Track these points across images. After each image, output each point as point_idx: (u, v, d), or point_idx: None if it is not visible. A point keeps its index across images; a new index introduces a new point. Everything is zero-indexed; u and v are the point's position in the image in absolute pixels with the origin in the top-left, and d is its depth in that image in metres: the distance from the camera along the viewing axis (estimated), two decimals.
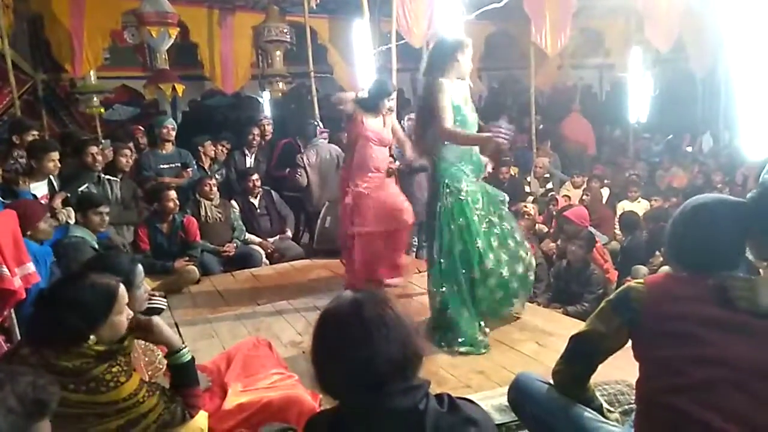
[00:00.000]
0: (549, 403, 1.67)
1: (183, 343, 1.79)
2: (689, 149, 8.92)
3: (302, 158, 5.43)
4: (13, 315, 2.67)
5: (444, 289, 2.99)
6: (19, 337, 2.66)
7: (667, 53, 7.45)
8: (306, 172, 5.40)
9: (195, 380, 1.81)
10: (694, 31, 7.17)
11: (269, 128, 6.17)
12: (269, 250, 5.15)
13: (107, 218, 3.86)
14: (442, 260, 2.98)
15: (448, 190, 2.97)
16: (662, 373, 1.42)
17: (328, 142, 5.78)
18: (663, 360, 1.42)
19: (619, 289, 1.59)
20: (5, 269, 2.43)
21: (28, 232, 2.98)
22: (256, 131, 5.89)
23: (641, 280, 1.55)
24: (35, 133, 4.44)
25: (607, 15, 7.93)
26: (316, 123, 5.83)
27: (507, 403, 1.90)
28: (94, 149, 4.43)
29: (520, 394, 1.76)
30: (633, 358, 1.51)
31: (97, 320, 1.57)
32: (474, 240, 2.95)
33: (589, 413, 1.62)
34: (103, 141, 5.08)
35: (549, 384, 1.72)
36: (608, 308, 1.56)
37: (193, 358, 1.81)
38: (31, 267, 2.61)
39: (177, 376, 1.77)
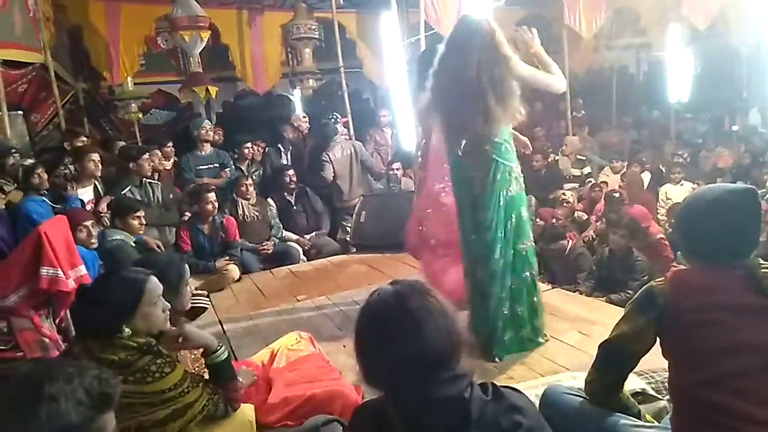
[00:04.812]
0: (581, 415, 1.65)
1: (219, 343, 1.86)
2: (735, 128, 8.55)
3: (327, 155, 5.53)
4: (69, 315, 2.79)
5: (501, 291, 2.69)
6: None
7: (707, 29, 7.16)
8: (333, 168, 5.48)
9: (233, 376, 1.87)
10: (736, 2, 6.85)
11: (305, 125, 6.27)
12: (306, 247, 5.22)
13: (143, 222, 3.97)
14: (497, 258, 2.67)
15: (513, 176, 2.68)
16: (694, 366, 1.40)
17: (355, 138, 5.86)
18: (694, 352, 1.41)
19: (641, 290, 1.58)
20: (60, 272, 2.54)
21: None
22: (291, 128, 5.99)
23: (662, 279, 1.54)
24: (84, 138, 4.64)
25: None
26: (334, 118, 5.90)
27: None
28: (147, 157, 4.58)
29: (550, 409, 1.70)
30: None
31: (127, 313, 1.65)
32: (527, 236, 2.76)
33: (625, 419, 1.60)
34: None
35: (578, 395, 1.70)
36: (633, 310, 1.55)
37: (229, 356, 1.87)
38: (83, 269, 2.73)
39: (215, 373, 1.84)
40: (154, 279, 1.73)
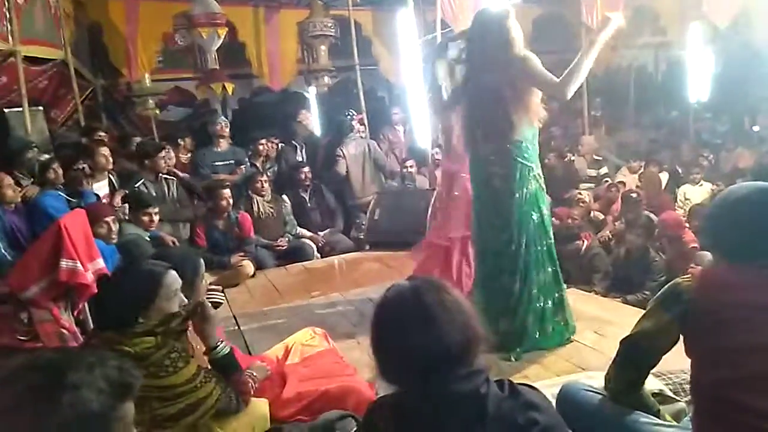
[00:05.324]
0: (600, 413, 1.63)
1: (219, 339, 1.89)
2: (756, 128, 8.40)
3: (341, 150, 5.56)
4: (87, 308, 2.83)
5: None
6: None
7: (728, 27, 7.03)
8: (346, 163, 5.49)
9: (237, 366, 1.90)
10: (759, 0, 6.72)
11: (309, 120, 6.31)
12: (320, 244, 5.24)
13: (156, 218, 4.00)
14: (521, 254, 2.68)
15: (532, 174, 2.69)
16: (719, 364, 1.39)
17: (369, 136, 5.87)
18: (718, 350, 1.39)
19: (666, 286, 1.56)
20: (79, 264, 2.58)
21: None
22: (299, 126, 6.08)
23: (688, 276, 1.52)
24: (101, 134, 4.70)
25: None
26: (350, 115, 5.92)
27: None
28: (162, 154, 4.62)
29: (568, 406, 1.69)
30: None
31: (143, 305, 1.67)
32: (550, 234, 2.78)
33: (644, 418, 1.58)
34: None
35: (596, 392, 1.69)
36: (656, 306, 1.53)
37: (231, 350, 1.91)
38: (101, 262, 2.76)
39: (221, 368, 1.86)
40: (172, 273, 1.75)
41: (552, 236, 2.82)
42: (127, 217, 4.03)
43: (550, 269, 2.77)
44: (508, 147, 2.65)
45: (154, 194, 4.45)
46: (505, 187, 2.68)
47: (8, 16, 4.04)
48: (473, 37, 2.72)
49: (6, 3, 4.02)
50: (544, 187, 2.79)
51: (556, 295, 2.80)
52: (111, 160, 4.28)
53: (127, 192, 4.25)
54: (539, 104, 2.66)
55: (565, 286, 2.91)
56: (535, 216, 2.70)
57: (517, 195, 2.66)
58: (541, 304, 2.75)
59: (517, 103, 2.59)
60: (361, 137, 5.93)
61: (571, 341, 2.81)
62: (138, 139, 5.43)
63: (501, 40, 2.59)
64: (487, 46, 2.62)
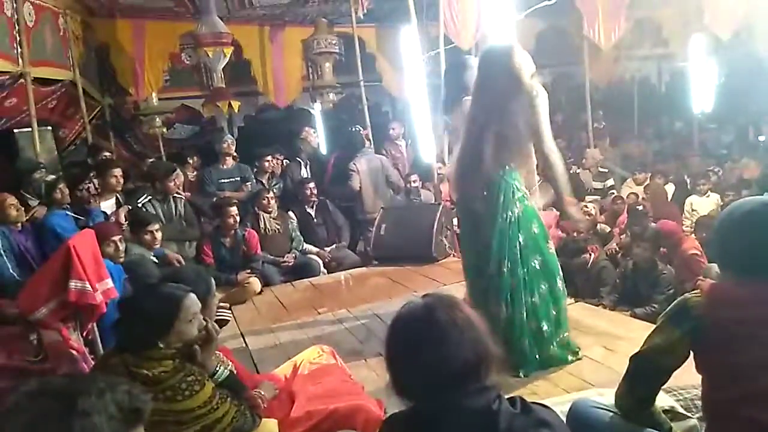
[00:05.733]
0: (611, 431, 1.62)
1: (217, 365, 1.88)
2: (761, 138, 8.39)
3: (354, 165, 5.57)
4: (95, 328, 2.84)
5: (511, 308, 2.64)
6: (101, 348, 2.84)
7: (731, 37, 7.05)
8: (359, 178, 5.51)
9: (241, 386, 1.90)
10: (762, 11, 6.75)
11: (314, 139, 6.36)
12: (326, 260, 5.24)
13: (159, 236, 4.00)
14: (504, 277, 2.61)
15: (517, 196, 2.63)
16: (730, 381, 1.38)
17: (375, 152, 5.92)
18: (730, 367, 1.38)
19: (675, 302, 1.55)
20: (88, 285, 2.60)
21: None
22: (303, 142, 6.16)
23: (697, 291, 1.51)
24: (107, 154, 4.74)
25: (664, 3, 7.61)
26: (359, 129, 5.96)
27: None
28: (173, 176, 4.63)
29: (578, 424, 1.66)
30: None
31: (163, 328, 1.67)
32: (545, 250, 2.69)
33: None
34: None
35: (606, 409, 1.67)
36: (666, 322, 1.52)
37: (230, 373, 1.90)
38: (109, 282, 2.78)
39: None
40: (192, 296, 1.75)
41: (548, 251, 2.71)
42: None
43: (543, 287, 2.66)
44: (493, 175, 2.61)
45: (162, 213, 4.47)
46: (487, 210, 2.60)
47: (18, 38, 4.11)
48: (480, 76, 2.67)
49: (16, 26, 4.10)
50: (535, 204, 2.71)
51: (553, 314, 2.70)
52: (122, 181, 4.32)
53: (130, 208, 4.27)
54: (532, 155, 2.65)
55: (564, 303, 2.79)
56: (521, 238, 2.60)
57: (500, 219, 2.58)
58: (535, 327, 2.65)
59: (514, 146, 2.58)
60: (373, 152, 5.97)
61: (580, 357, 2.77)
62: (150, 160, 5.49)
63: (508, 80, 2.56)
64: (493, 87, 2.58)
